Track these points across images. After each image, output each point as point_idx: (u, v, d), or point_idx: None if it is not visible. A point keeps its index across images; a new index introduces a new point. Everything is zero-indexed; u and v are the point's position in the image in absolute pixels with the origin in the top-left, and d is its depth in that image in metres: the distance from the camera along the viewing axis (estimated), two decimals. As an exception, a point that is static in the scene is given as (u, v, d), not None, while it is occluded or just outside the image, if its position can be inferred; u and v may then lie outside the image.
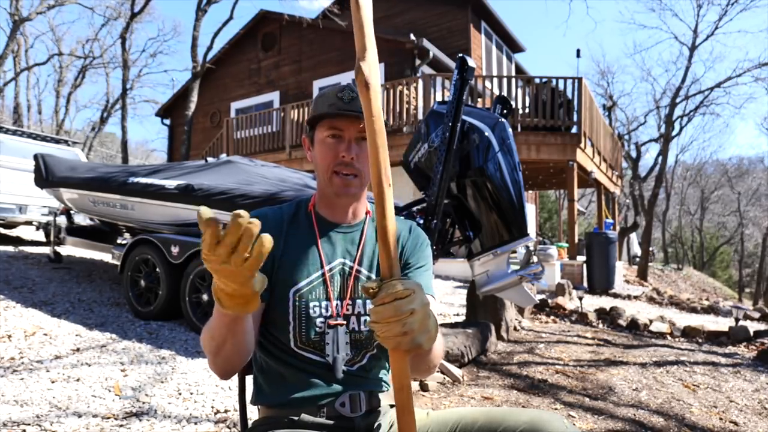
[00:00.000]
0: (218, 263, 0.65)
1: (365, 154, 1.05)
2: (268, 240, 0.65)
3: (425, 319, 0.70)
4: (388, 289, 0.68)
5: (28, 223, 7.30)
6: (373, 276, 1.10)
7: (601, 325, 5.25)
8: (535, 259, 7.57)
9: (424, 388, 2.89)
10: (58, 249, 5.90)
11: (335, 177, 1.04)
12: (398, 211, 3.52)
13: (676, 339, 4.77)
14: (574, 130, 8.52)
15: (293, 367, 1.04)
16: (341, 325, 1.05)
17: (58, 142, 8.08)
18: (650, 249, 14.95)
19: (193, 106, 12.11)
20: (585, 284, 8.32)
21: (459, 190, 3.51)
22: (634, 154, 20.41)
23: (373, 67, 0.65)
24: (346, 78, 11.76)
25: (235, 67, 14.17)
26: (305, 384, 1.03)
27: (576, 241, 8.83)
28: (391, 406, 1.13)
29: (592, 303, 6.50)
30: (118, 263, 4.30)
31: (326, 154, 1.05)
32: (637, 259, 15.19)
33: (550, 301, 6.04)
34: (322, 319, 1.04)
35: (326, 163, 1.05)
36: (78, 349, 3.21)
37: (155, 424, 2.23)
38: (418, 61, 10.67)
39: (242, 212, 0.63)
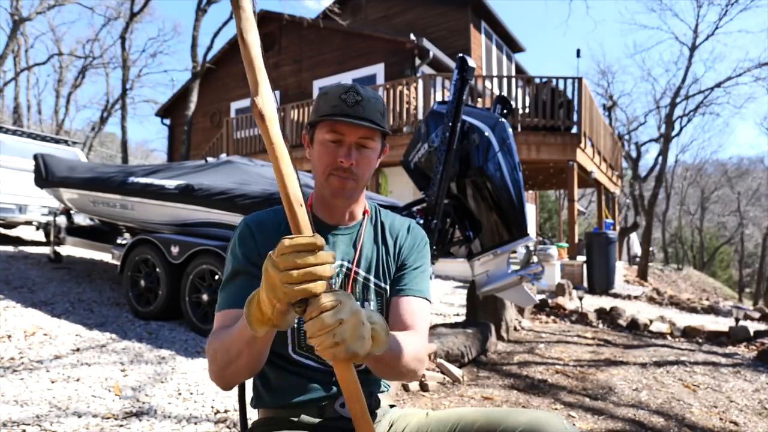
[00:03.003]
0: (278, 268, 0.69)
1: (365, 159, 1.03)
2: (321, 287, 0.69)
3: (356, 327, 0.71)
4: (314, 304, 0.70)
5: (28, 223, 7.29)
6: (371, 278, 1.10)
7: (601, 325, 5.25)
8: (535, 259, 7.57)
9: (424, 388, 2.89)
10: (58, 249, 5.90)
11: (332, 177, 1.02)
12: (398, 210, 3.52)
13: (676, 339, 4.77)
14: (574, 130, 8.52)
15: (292, 374, 1.04)
16: None
17: (58, 142, 8.08)
18: (650, 249, 14.95)
19: (193, 106, 12.11)
20: (585, 284, 8.32)
21: (459, 190, 3.51)
22: (634, 154, 20.42)
23: (267, 100, 0.69)
24: (346, 78, 11.76)
25: (235, 67, 14.16)
26: (304, 389, 1.03)
27: (576, 241, 8.83)
28: (391, 406, 1.13)
29: (592, 303, 6.50)
30: (118, 263, 4.30)
31: (325, 156, 1.02)
32: (637, 259, 15.19)
33: (550, 301, 6.04)
34: None
35: (324, 165, 1.03)
36: (78, 349, 3.21)
37: (155, 424, 2.23)
38: (418, 61, 10.67)
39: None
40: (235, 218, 3.62)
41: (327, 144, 1.02)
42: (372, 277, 1.10)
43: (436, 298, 6.29)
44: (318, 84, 12.37)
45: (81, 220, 6.13)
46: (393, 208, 3.62)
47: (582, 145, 8.52)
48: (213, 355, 0.89)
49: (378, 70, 11.41)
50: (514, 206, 3.22)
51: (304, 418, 1.02)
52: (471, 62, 3.21)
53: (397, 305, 1.07)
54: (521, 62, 15.53)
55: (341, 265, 1.08)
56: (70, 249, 6.31)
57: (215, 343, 0.89)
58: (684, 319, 6.10)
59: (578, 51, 10.50)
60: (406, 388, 2.85)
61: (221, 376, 0.90)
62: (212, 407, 2.46)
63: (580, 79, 8.49)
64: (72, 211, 5.65)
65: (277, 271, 0.68)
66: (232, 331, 0.86)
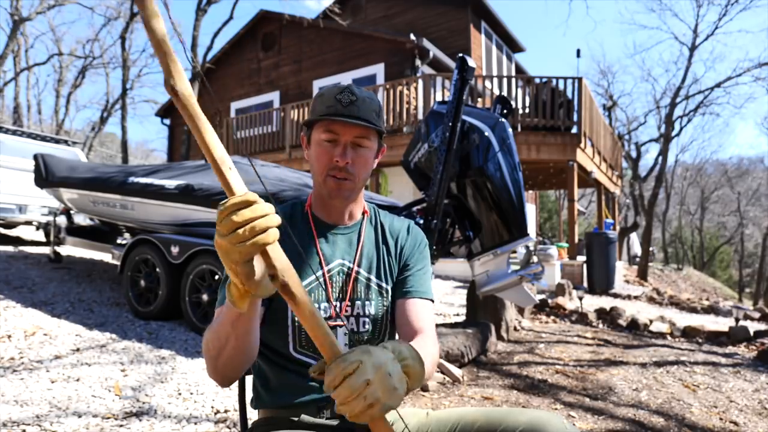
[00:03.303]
0: (222, 234, 0.66)
1: (361, 158, 1.04)
2: (272, 235, 0.66)
3: (385, 381, 0.68)
4: (333, 371, 0.67)
5: (28, 223, 7.30)
6: (372, 278, 1.10)
7: (601, 325, 5.25)
8: (535, 259, 7.57)
9: (424, 388, 2.89)
10: (58, 249, 5.90)
11: (328, 179, 1.04)
12: (398, 210, 3.52)
13: (676, 339, 4.77)
14: (574, 130, 8.52)
15: (292, 373, 1.04)
16: (340, 326, 1.05)
17: (58, 142, 8.08)
18: (650, 249, 14.95)
19: (193, 106, 12.08)
20: (585, 284, 8.32)
21: (459, 190, 3.51)
22: (634, 154, 20.42)
23: (178, 78, 0.67)
24: (346, 78, 11.76)
25: (235, 67, 14.17)
26: (304, 388, 1.03)
27: (576, 241, 8.83)
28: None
29: (592, 303, 6.50)
30: (118, 263, 4.30)
31: (321, 156, 1.04)
32: (637, 259, 15.19)
33: (550, 301, 6.04)
34: None
35: (321, 165, 1.05)
36: (78, 349, 3.21)
37: (155, 424, 2.23)
38: (418, 61, 10.67)
39: (259, 200, 0.67)
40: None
41: (323, 144, 1.04)
42: (373, 277, 1.10)
43: (436, 298, 6.28)
44: (318, 84, 12.37)
45: (81, 220, 6.13)
46: (393, 208, 3.62)
47: (582, 145, 8.52)
48: (206, 346, 0.90)
49: (378, 70, 11.41)
50: (514, 206, 3.22)
51: (305, 418, 1.02)
52: (471, 62, 3.21)
53: (404, 307, 1.08)
54: (521, 62, 15.53)
55: (342, 264, 1.09)
56: (70, 249, 6.31)
57: (208, 334, 0.90)
58: (684, 319, 6.10)
59: (578, 51, 10.49)
60: (406, 388, 2.85)
61: (215, 366, 0.89)
62: (212, 407, 2.46)
63: (580, 79, 8.49)
64: (72, 211, 5.65)
65: (224, 237, 0.66)
66: (219, 318, 0.87)
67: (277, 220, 0.67)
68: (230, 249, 0.66)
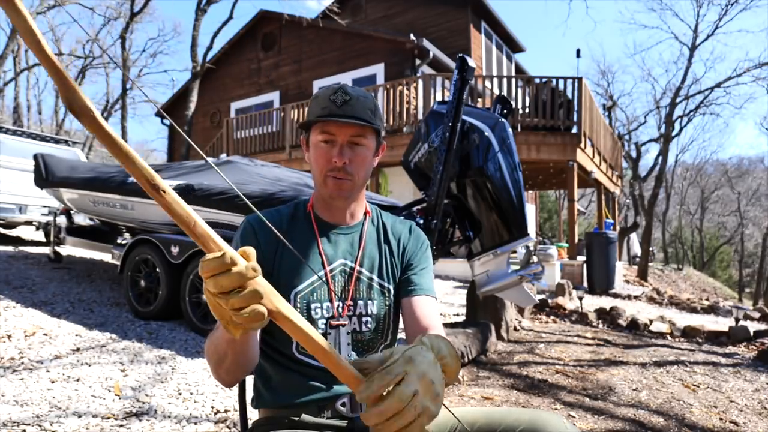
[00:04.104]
0: (211, 292, 0.58)
1: (359, 157, 1.05)
2: (265, 307, 0.58)
3: (430, 390, 0.63)
4: (376, 383, 0.60)
5: (28, 223, 7.30)
6: (375, 277, 1.10)
7: (601, 325, 5.25)
8: (535, 259, 7.57)
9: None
10: (58, 249, 5.90)
11: (328, 180, 1.05)
12: (398, 211, 3.51)
13: (676, 339, 4.77)
14: (574, 130, 8.52)
15: (294, 373, 1.04)
16: (343, 325, 1.05)
17: (58, 142, 8.08)
18: (650, 249, 14.96)
19: (193, 106, 12.11)
20: (585, 284, 8.32)
21: (459, 190, 3.51)
22: (634, 154, 20.42)
23: (73, 94, 0.57)
24: (346, 78, 11.76)
25: (235, 67, 14.17)
26: (306, 388, 1.03)
27: (576, 241, 8.83)
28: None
29: (592, 303, 6.50)
30: (118, 263, 4.30)
31: (319, 158, 1.05)
32: (637, 259, 15.20)
33: (550, 301, 6.04)
34: (323, 321, 1.04)
35: (320, 167, 1.05)
36: (78, 349, 3.21)
37: (155, 424, 2.23)
38: (418, 61, 10.68)
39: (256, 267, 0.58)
40: (235, 218, 3.62)
41: (320, 145, 1.05)
42: (375, 277, 1.11)
43: (437, 297, 6.29)
44: (318, 84, 12.37)
45: (81, 220, 6.13)
46: (393, 208, 3.62)
47: (582, 145, 8.52)
48: (207, 354, 0.91)
49: (378, 70, 11.41)
50: (514, 206, 3.21)
51: (305, 417, 1.02)
52: (471, 62, 3.20)
53: (410, 305, 1.09)
54: (521, 62, 15.54)
55: (344, 264, 1.09)
56: (70, 249, 6.31)
57: (208, 342, 0.91)
58: (684, 319, 6.10)
59: (578, 51, 10.50)
60: (406, 388, 2.85)
61: (217, 372, 0.91)
62: (212, 407, 2.46)
63: (580, 79, 8.49)
64: (72, 211, 5.65)
65: (213, 296, 0.57)
66: (217, 331, 0.87)
67: (266, 287, 0.59)
68: (221, 312, 0.58)
